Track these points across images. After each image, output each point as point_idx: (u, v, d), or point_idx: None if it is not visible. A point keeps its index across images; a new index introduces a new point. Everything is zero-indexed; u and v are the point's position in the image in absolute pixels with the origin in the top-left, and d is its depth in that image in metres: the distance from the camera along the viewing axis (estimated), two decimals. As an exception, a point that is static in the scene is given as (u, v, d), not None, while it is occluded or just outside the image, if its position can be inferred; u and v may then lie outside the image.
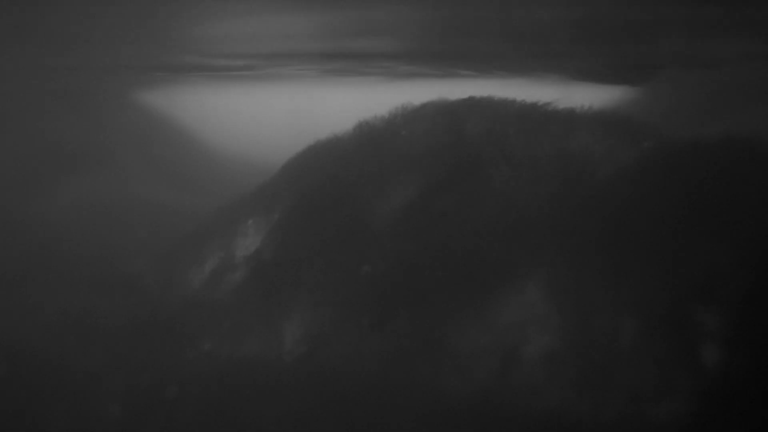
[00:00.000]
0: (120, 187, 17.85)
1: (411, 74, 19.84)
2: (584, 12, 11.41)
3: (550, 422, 8.23)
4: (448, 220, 10.07)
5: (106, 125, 20.20)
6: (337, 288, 10.01)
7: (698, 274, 8.65)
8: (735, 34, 12.94)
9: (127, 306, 11.18)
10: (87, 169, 18.20)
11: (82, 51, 15.74)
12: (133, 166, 19.16)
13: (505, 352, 8.85)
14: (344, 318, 9.74)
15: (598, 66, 16.67)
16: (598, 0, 10.78)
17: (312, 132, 12.25)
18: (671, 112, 16.89)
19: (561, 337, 8.71)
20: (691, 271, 8.67)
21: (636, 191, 9.53)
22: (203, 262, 11.46)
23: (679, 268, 8.72)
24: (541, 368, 8.64)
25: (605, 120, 10.79)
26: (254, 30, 13.42)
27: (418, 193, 10.51)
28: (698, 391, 8.03)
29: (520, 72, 18.58)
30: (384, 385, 8.96)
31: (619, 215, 9.35)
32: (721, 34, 12.85)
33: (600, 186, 9.79)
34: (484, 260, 9.54)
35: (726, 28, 12.46)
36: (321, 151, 11.96)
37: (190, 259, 11.69)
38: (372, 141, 11.42)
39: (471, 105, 11.44)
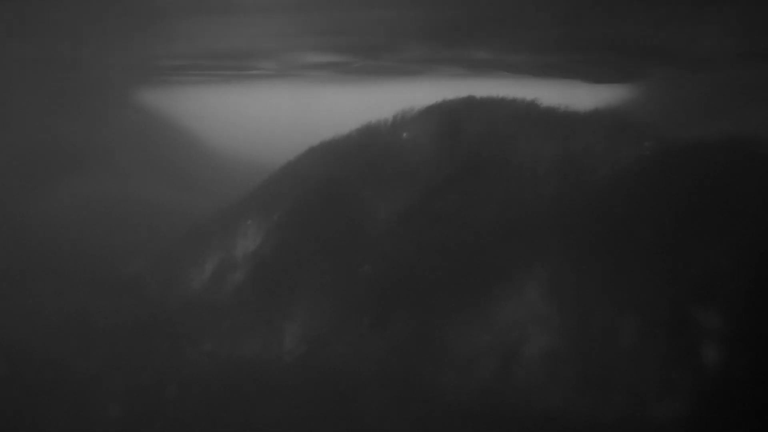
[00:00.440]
0: (120, 187, 17.87)
1: (411, 74, 19.89)
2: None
3: (550, 422, 8.23)
4: (448, 221, 10.08)
5: (106, 125, 20.22)
6: (337, 288, 10.02)
7: (698, 274, 8.65)
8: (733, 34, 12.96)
9: (127, 306, 11.18)
10: (87, 169, 18.22)
11: (82, 51, 15.75)
12: (133, 166, 19.18)
13: (505, 351, 8.85)
14: (344, 318, 9.74)
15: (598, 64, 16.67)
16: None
17: (312, 132, 12.27)
18: (671, 112, 16.92)
19: (561, 337, 8.71)
20: (692, 271, 8.68)
21: (636, 191, 9.54)
22: (203, 262, 11.47)
23: (680, 268, 8.73)
24: (541, 368, 8.64)
25: (605, 120, 10.81)
26: (254, 29, 13.42)
27: (418, 193, 10.52)
28: (698, 391, 8.03)
29: (520, 72, 18.61)
30: (384, 384, 8.97)
31: (619, 215, 9.36)
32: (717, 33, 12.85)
33: (600, 186, 9.79)
34: (485, 260, 9.54)
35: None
36: (322, 152, 11.98)
37: (190, 259, 11.70)
38: (373, 142, 11.44)
39: (471, 105, 11.45)
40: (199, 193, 17.06)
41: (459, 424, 8.33)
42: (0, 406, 8.82)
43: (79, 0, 11.02)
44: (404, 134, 11.24)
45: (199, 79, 21.60)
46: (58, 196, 16.94)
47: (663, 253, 8.88)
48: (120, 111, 21.69)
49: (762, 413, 7.79)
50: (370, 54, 16.36)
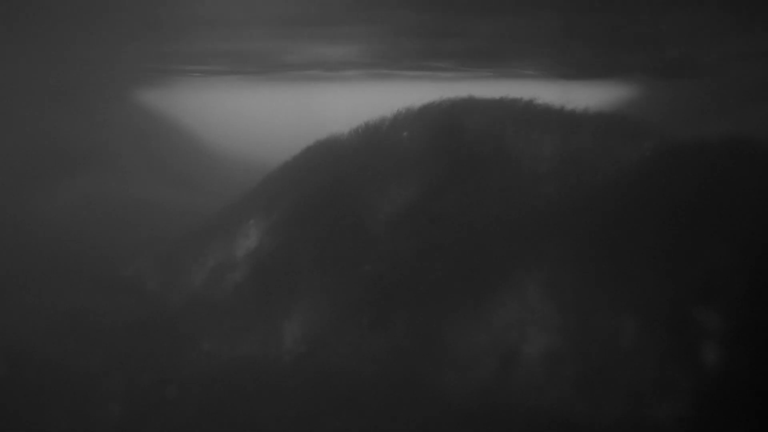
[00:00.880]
0: (120, 187, 17.88)
1: (411, 73, 19.88)
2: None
3: (550, 422, 8.23)
4: (448, 221, 10.07)
5: (107, 125, 20.23)
6: (336, 288, 10.02)
7: (699, 274, 8.65)
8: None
9: (127, 306, 11.19)
10: (87, 169, 18.23)
11: (82, 51, 15.75)
12: (133, 166, 19.19)
13: (505, 351, 8.85)
14: (344, 318, 9.74)
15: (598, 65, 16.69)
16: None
17: (312, 132, 12.27)
18: (671, 112, 16.91)
19: (561, 337, 8.71)
20: (692, 271, 8.68)
21: (636, 191, 9.54)
22: (203, 262, 11.48)
23: (680, 268, 8.73)
24: (541, 368, 8.64)
25: (605, 120, 10.80)
26: (254, 29, 13.43)
27: (418, 193, 10.52)
28: (698, 391, 8.03)
29: (520, 71, 18.62)
30: (384, 384, 8.97)
31: (618, 215, 9.35)
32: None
33: (600, 186, 9.79)
34: (484, 260, 9.54)
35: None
36: (322, 152, 11.97)
37: (190, 259, 11.70)
38: (373, 142, 11.44)
39: (471, 105, 11.44)
40: (199, 193, 17.07)
41: (459, 424, 8.33)
42: (0, 406, 8.83)
43: (79, 0, 11.04)
44: (404, 134, 11.24)
45: (199, 79, 21.60)
46: (59, 196, 16.95)
47: (663, 253, 8.88)
48: (120, 111, 21.70)
49: (762, 413, 7.79)
50: (370, 54, 16.37)
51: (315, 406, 8.77)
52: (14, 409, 8.81)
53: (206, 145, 23.18)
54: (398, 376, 9.03)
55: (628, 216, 9.30)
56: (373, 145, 11.37)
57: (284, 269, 10.54)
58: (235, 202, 12.21)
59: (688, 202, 9.20)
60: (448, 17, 12.14)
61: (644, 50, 14.84)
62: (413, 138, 11.13)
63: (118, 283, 12.05)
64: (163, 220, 15.12)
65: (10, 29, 13.17)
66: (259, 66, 18.86)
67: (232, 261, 11.16)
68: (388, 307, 9.63)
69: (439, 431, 8.32)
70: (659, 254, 8.88)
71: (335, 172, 11.26)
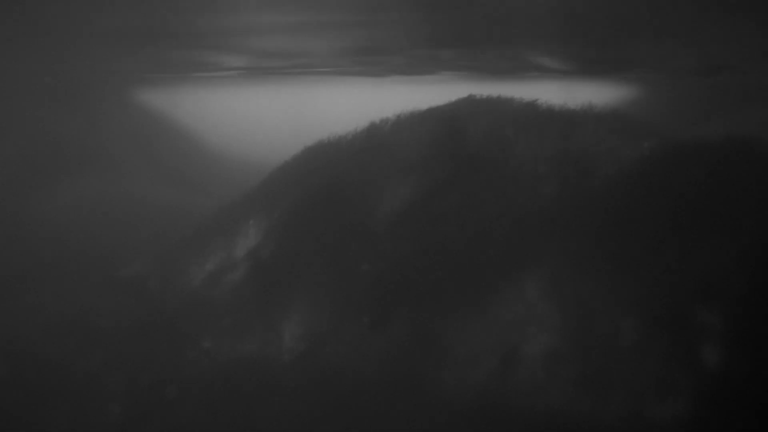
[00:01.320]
0: (120, 187, 17.88)
1: (412, 74, 19.89)
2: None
3: (551, 422, 8.23)
4: (449, 220, 10.08)
5: (106, 125, 20.23)
6: (336, 287, 10.02)
7: (698, 273, 8.65)
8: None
9: (127, 306, 11.19)
10: (87, 169, 18.23)
11: (82, 51, 15.75)
12: (133, 166, 19.19)
13: (506, 351, 8.85)
14: (344, 317, 9.75)
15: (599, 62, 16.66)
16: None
17: (313, 132, 12.27)
18: (671, 112, 16.91)
19: (561, 337, 8.71)
20: (692, 270, 8.68)
21: (636, 191, 9.54)
22: (203, 262, 11.48)
23: (680, 267, 8.73)
24: (541, 368, 8.64)
25: (605, 120, 10.81)
26: (254, 28, 13.43)
27: (418, 193, 10.52)
28: (698, 391, 8.03)
29: (520, 71, 18.62)
30: (383, 383, 8.96)
31: (619, 215, 9.36)
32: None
33: (600, 186, 9.79)
34: (485, 260, 9.54)
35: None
36: (322, 152, 11.98)
37: (190, 259, 11.70)
38: (374, 142, 11.45)
39: (472, 106, 11.45)
40: (199, 193, 17.07)
41: (459, 424, 8.33)
42: (0, 406, 8.83)
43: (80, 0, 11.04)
44: (405, 134, 11.25)
45: (199, 78, 21.59)
46: (59, 196, 16.95)
47: (663, 252, 8.88)
48: (120, 111, 21.70)
49: (762, 413, 7.80)
50: (370, 55, 16.37)
51: (315, 405, 8.77)
52: (14, 409, 8.81)
53: (206, 145, 23.18)
54: (398, 375, 9.03)
55: (628, 216, 9.31)
56: (373, 145, 11.38)
57: (284, 269, 10.54)
58: (235, 202, 12.21)
59: (688, 201, 9.21)
60: (449, 17, 12.14)
61: (646, 46, 14.81)
62: (414, 138, 11.14)
63: (118, 283, 12.05)
64: (163, 220, 15.12)
65: (11, 29, 13.17)
66: (259, 66, 18.86)
67: (232, 261, 11.17)
68: (388, 306, 9.63)
69: (439, 431, 8.32)
70: (659, 254, 8.89)
71: (336, 172, 11.27)
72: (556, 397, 8.41)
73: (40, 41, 14.46)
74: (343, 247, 10.32)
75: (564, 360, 8.60)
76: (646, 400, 8.16)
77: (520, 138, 10.53)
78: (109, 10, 11.47)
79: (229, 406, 8.88)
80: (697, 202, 9.19)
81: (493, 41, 14.31)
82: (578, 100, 10.94)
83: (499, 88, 11.57)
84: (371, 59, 17.19)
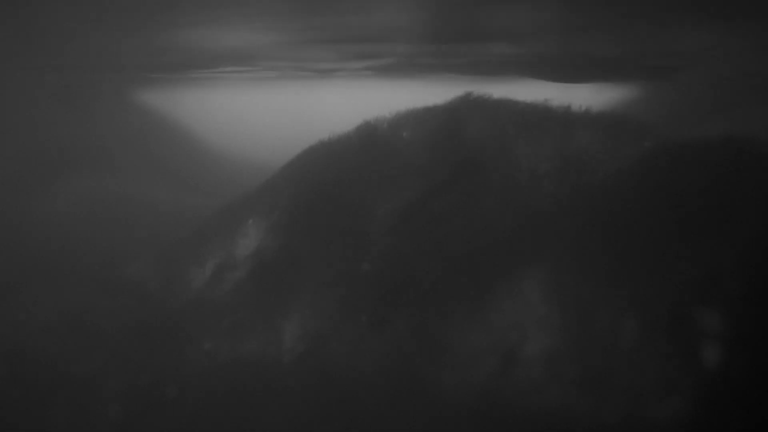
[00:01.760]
0: (120, 187, 17.88)
1: (411, 74, 19.89)
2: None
3: (551, 422, 8.24)
4: (449, 220, 10.08)
5: (106, 125, 20.23)
6: (336, 287, 10.02)
7: (698, 273, 8.65)
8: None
9: (127, 306, 11.19)
10: (87, 169, 18.23)
11: (82, 51, 15.75)
12: (133, 166, 19.18)
13: (505, 351, 8.85)
14: (344, 317, 9.75)
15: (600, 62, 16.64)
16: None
17: (313, 132, 12.27)
18: (671, 112, 16.92)
19: (561, 337, 8.71)
20: (692, 270, 8.68)
21: (636, 191, 9.54)
22: (203, 262, 11.48)
23: (680, 267, 8.73)
24: (541, 368, 8.64)
25: (605, 120, 10.81)
26: (254, 28, 13.43)
27: (418, 193, 10.52)
28: (698, 391, 8.03)
29: (520, 72, 18.62)
30: (383, 384, 8.97)
31: (619, 215, 9.36)
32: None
33: (600, 186, 9.79)
34: (485, 260, 9.55)
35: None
36: (322, 152, 11.98)
37: (190, 259, 11.70)
38: (373, 142, 11.45)
39: (471, 105, 11.45)
40: (200, 193, 17.08)
41: (459, 424, 8.34)
42: (0, 406, 8.84)
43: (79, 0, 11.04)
44: (404, 134, 11.25)
45: (199, 79, 21.61)
46: (59, 196, 16.96)
47: (663, 253, 8.88)
48: (120, 111, 21.72)
49: (762, 413, 7.80)
50: (370, 55, 16.37)
51: (315, 405, 8.77)
52: (14, 409, 8.82)
53: (206, 144, 23.20)
54: (398, 375, 9.04)
55: (628, 216, 9.31)
56: (373, 144, 11.38)
57: (284, 269, 10.54)
58: (235, 202, 12.21)
59: (687, 201, 9.21)
60: (449, 15, 12.13)
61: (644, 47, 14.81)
62: (413, 138, 11.14)
63: (119, 283, 12.05)
64: (163, 220, 15.13)
65: (10, 29, 13.17)
66: (259, 65, 18.87)
67: (233, 261, 11.17)
68: (388, 306, 9.63)
69: (439, 431, 8.33)
70: (659, 254, 8.89)
71: (335, 172, 11.27)
72: (556, 397, 8.42)
73: (41, 41, 14.47)
74: (343, 247, 10.33)
75: (564, 360, 8.60)
76: (646, 400, 8.16)
77: (520, 138, 10.53)
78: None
79: (229, 406, 8.88)
80: (697, 202, 9.19)
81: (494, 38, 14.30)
82: (578, 101, 10.94)
83: (499, 89, 11.57)
84: (371, 60, 17.19)
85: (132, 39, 14.37)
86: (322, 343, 9.62)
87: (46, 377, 9.47)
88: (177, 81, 22.08)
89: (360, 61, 17.60)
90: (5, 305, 11.30)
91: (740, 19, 11.62)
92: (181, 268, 11.69)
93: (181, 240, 12.42)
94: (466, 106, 11.44)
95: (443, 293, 9.49)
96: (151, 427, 8.68)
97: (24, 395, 9.08)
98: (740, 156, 9.75)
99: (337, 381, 9.09)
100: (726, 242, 8.78)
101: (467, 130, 10.92)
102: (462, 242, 9.82)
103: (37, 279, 12.31)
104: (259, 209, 11.54)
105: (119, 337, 10.30)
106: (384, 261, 10.00)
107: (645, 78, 18.81)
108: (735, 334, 8.22)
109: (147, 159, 19.82)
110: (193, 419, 8.72)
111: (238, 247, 11.25)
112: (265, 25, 12.97)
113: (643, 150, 10.08)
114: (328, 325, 9.76)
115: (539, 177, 10.13)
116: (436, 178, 10.57)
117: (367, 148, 11.36)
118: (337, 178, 11.13)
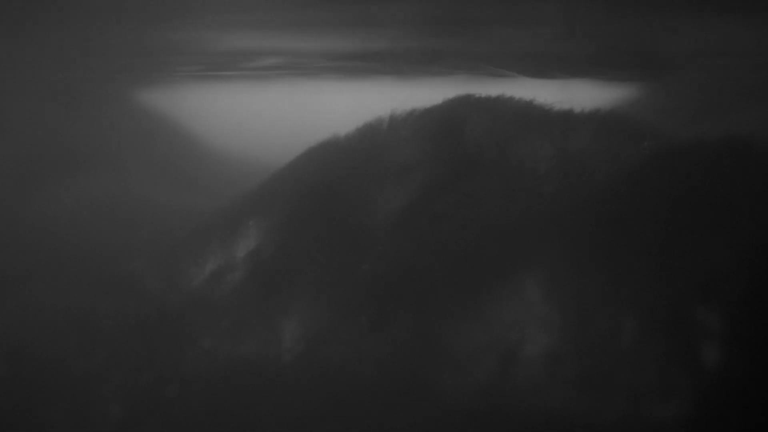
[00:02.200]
0: (120, 187, 17.86)
1: (411, 74, 19.86)
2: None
3: (550, 422, 8.23)
4: (448, 221, 10.08)
5: (107, 125, 20.21)
6: (336, 287, 10.02)
7: (699, 274, 8.65)
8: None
9: (128, 305, 11.18)
10: (88, 169, 18.21)
11: (81, 51, 15.75)
12: (133, 166, 19.16)
13: (505, 351, 8.85)
14: (343, 317, 9.75)
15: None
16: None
17: (313, 132, 12.26)
18: (671, 112, 16.90)
19: (561, 337, 8.71)
20: (691, 270, 8.68)
21: (636, 191, 9.54)
22: (203, 262, 11.47)
23: (679, 267, 8.73)
24: (541, 368, 8.64)
25: (605, 119, 10.80)
26: (254, 28, 13.43)
27: (417, 193, 10.52)
28: (698, 391, 8.03)
29: (520, 71, 18.59)
30: (383, 383, 8.97)
31: (618, 215, 9.35)
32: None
33: (600, 186, 9.79)
34: (484, 260, 9.54)
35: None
36: (322, 152, 11.97)
37: (190, 259, 11.70)
38: (373, 142, 11.44)
39: (471, 105, 11.44)
40: (200, 193, 17.06)
41: (459, 424, 8.33)
42: (0, 406, 8.83)
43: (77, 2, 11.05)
44: (403, 134, 11.25)
45: (200, 78, 21.58)
46: (59, 195, 16.94)
47: (663, 252, 8.88)
48: (121, 110, 21.68)
49: (762, 413, 7.79)
50: (370, 54, 16.35)
51: (315, 405, 8.77)
52: (14, 409, 8.81)
53: (207, 144, 23.17)
54: (398, 375, 9.03)
55: (628, 216, 9.30)
56: (372, 145, 11.37)
57: (284, 269, 10.54)
58: (236, 202, 12.20)
59: (687, 201, 9.21)
60: (449, 12, 12.12)
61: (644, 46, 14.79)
62: (412, 138, 11.13)
63: (119, 283, 12.04)
64: (163, 219, 15.11)
65: (10, 28, 13.17)
66: (259, 65, 18.86)
67: (233, 260, 11.16)
68: (388, 306, 9.63)
69: (439, 431, 8.33)
70: (659, 254, 8.88)
71: (335, 172, 11.27)
72: (556, 398, 8.41)
73: (40, 40, 14.47)
74: (342, 248, 10.33)
75: (564, 360, 8.59)
76: (646, 400, 8.16)
77: (519, 137, 10.53)
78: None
79: (230, 406, 8.88)
80: (697, 201, 9.19)
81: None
82: (577, 101, 10.93)
83: (499, 88, 11.56)
84: (370, 59, 17.17)
85: (132, 39, 14.37)
86: (322, 343, 9.62)
87: (46, 377, 9.47)
88: (178, 81, 22.06)
89: (360, 61, 17.59)
90: (5, 305, 11.30)
91: (740, 15, 11.61)
92: (182, 268, 11.68)
93: (181, 239, 12.40)
94: (466, 106, 11.43)
95: (443, 293, 9.49)
96: (151, 427, 8.68)
97: (24, 395, 9.07)
98: (741, 156, 9.75)
99: (337, 381, 9.09)
100: (726, 242, 8.78)
101: (467, 131, 10.92)
102: (462, 242, 9.82)
103: (37, 278, 12.31)
104: (259, 209, 11.54)
105: (119, 337, 10.29)
106: (384, 261, 10.00)
107: (645, 78, 18.80)
108: (735, 334, 8.21)
109: (148, 159, 19.79)
110: (194, 419, 8.72)
111: (238, 247, 11.25)
112: (266, 24, 12.98)
113: (643, 150, 10.08)
114: (328, 325, 9.75)
115: (539, 177, 10.13)
116: (436, 177, 10.56)
117: (367, 149, 11.36)
118: (336, 179, 11.12)
